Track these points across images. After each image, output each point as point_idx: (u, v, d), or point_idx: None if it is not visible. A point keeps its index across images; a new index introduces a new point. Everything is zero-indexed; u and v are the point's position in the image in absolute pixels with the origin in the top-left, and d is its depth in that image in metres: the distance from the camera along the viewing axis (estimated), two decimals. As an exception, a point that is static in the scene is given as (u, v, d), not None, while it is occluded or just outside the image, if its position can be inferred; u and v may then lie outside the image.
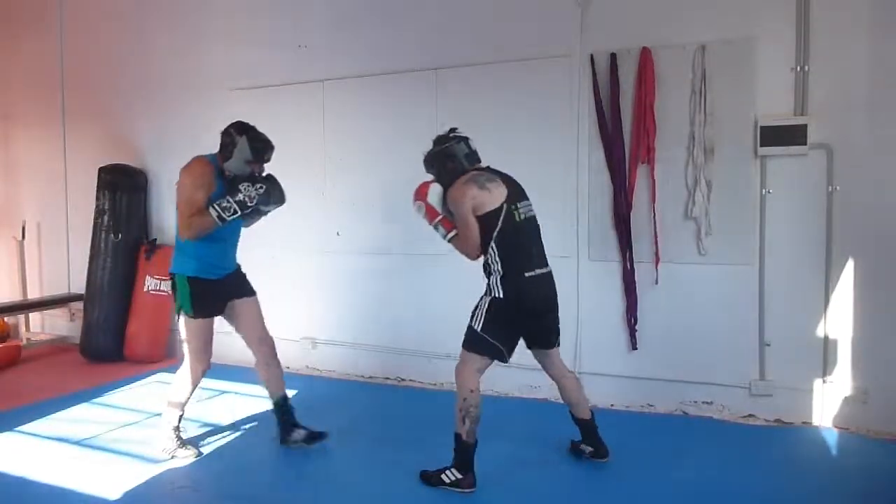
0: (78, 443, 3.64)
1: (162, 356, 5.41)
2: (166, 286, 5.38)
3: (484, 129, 4.37)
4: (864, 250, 3.63)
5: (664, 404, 4.05)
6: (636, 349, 4.06)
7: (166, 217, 5.63)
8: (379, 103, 4.71)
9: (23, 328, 6.12)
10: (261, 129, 3.28)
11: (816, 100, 3.65)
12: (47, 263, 6.27)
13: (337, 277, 4.95)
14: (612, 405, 4.15)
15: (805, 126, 3.61)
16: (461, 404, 2.94)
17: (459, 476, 2.96)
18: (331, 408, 4.25)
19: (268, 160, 3.31)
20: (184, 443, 3.45)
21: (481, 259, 3.04)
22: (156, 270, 5.35)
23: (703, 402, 3.97)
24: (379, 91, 4.71)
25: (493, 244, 2.94)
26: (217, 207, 3.10)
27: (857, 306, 3.65)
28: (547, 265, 3.08)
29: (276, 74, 5.04)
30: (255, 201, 3.16)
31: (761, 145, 3.71)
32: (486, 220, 2.94)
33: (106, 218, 5.48)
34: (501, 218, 2.93)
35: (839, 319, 3.68)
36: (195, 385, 3.43)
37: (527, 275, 2.95)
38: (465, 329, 3.02)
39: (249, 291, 3.51)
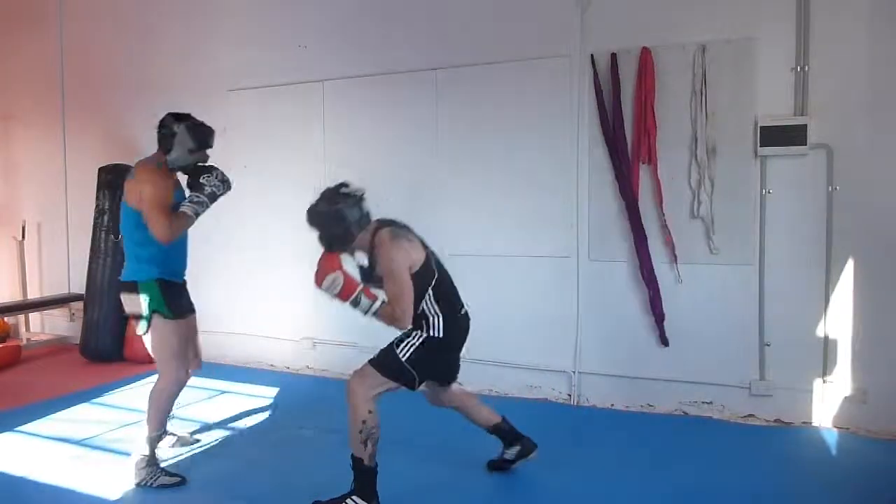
0: (78, 443, 3.64)
1: (162, 356, 5.40)
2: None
3: (484, 130, 4.40)
4: (864, 250, 3.63)
5: (664, 404, 4.05)
6: (667, 346, 3.98)
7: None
8: (379, 104, 4.70)
9: (23, 328, 6.13)
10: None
11: (816, 100, 3.65)
12: (47, 263, 6.28)
13: (337, 277, 4.94)
14: (612, 405, 4.15)
15: (805, 126, 3.61)
16: (360, 427, 2.72)
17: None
18: (331, 408, 4.24)
19: (211, 146, 3.15)
20: (164, 470, 3.13)
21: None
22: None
23: (703, 402, 3.97)
24: (379, 91, 4.70)
25: (429, 294, 2.82)
26: (191, 204, 2.97)
27: (857, 306, 3.65)
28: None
29: (276, 74, 5.04)
30: (222, 189, 3.06)
31: (761, 145, 3.70)
32: (421, 274, 2.78)
33: (106, 218, 5.48)
34: (434, 267, 2.85)
35: (839, 319, 3.68)
36: (178, 393, 3.19)
37: (461, 313, 2.93)
38: (381, 351, 2.88)
39: (193, 307, 3.34)
